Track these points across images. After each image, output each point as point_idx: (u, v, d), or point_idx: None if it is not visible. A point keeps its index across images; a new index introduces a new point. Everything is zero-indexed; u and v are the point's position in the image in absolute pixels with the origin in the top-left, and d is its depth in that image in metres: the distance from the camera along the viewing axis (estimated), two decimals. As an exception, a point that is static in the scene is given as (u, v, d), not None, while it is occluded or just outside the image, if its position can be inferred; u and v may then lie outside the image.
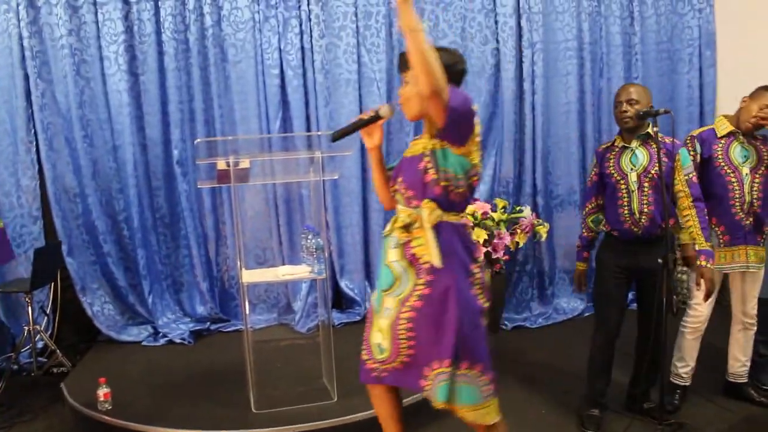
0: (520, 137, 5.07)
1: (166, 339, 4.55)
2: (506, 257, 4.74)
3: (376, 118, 2.42)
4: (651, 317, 3.19)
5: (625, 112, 3.14)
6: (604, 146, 3.36)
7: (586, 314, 5.16)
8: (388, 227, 2.43)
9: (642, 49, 5.16)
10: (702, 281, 3.10)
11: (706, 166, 3.32)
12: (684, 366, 3.47)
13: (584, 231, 3.49)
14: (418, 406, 3.21)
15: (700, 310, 3.34)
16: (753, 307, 3.42)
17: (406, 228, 2.36)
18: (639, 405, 3.46)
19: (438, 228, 2.32)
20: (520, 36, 4.98)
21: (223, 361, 4.21)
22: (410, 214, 2.36)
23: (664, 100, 5.17)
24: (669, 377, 3.53)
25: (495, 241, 4.62)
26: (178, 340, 4.54)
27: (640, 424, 3.31)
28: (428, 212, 2.30)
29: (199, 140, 3.70)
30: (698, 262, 3.10)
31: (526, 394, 3.81)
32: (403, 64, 2.31)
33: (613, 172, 3.21)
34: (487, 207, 4.66)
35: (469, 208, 4.58)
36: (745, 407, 3.49)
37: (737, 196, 3.27)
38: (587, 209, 3.45)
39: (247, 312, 3.46)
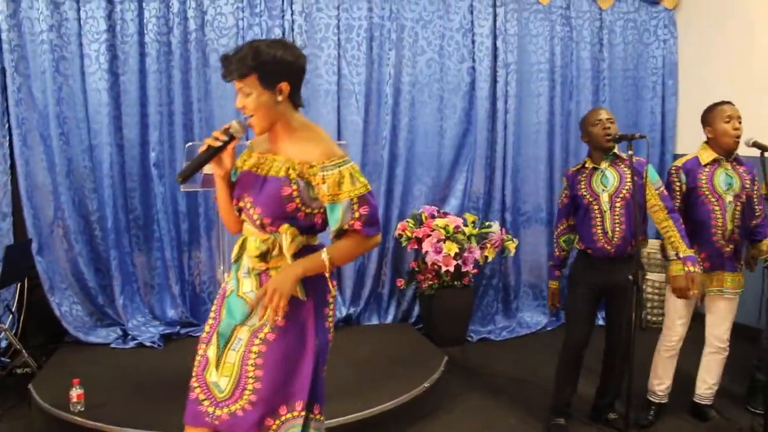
0: (491, 154, 5.22)
1: (136, 342, 4.50)
2: (475, 271, 4.86)
3: (230, 140, 2.09)
4: (619, 332, 3.37)
5: (608, 129, 3.30)
6: (574, 169, 3.50)
7: (549, 328, 5.34)
8: (235, 251, 2.18)
9: (609, 75, 5.39)
10: (693, 286, 3.21)
11: (689, 195, 3.41)
12: (659, 384, 3.59)
13: (556, 250, 3.62)
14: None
15: (675, 329, 3.48)
16: (726, 332, 3.49)
17: (262, 257, 2.10)
18: (604, 416, 3.63)
19: (300, 254, 2.09)
20: (495, 56, 5.14)
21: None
22: (265, 240, 2.10)
23: (629, 125, 5.41)
24: (645, 394, 3.65)
25: (465, 254, 4.74)
26: (148, 344, 4.50)
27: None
28: (290, 239, 2.07)
29: (190, 144, 3.70)
30: (686, 268, 3.22)
31: (493, 404, 3.95)
32: (231, 72, 2.04)
33: (585, 193, 3.36)
34: (459, 221, 4.79)
35: (441, 222, 4.73)
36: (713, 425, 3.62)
37: (719, 224, 3.36)
38: (559, 230, 3.59)
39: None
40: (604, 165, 3.36)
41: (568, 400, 3.59)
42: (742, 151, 3.40)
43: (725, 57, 5.12)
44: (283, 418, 2.10)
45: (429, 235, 4.74)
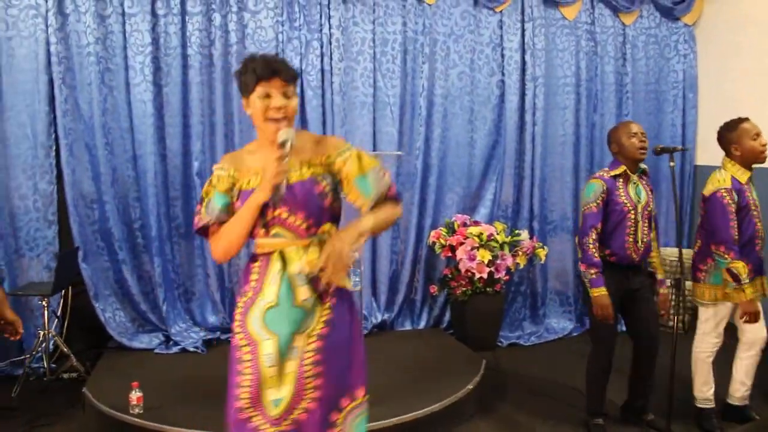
0: (519, 165, 5.38)
1: (179, 347, 4.60)
2: (506, 277, 5.00)
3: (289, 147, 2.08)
4: (646, 333, 3.56)
5: (644, 142, 3.43)
6: (609, 175, 3.46)
7: (575, 334, 5.47)
8: (277, 266, 2.13)
9: (632, 88, 5.56)
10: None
11: (738, 213, 3.44)
12: (709, 389, 3.67)
13: (596, 255, 3.42)
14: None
15: (717, 333, 3.61)
16: (766, 333, 3.63)
17: (311, 262, 2.12)
18: (638, 416, 3.75)
19: None
20: (523, 70, 5.30)
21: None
22: (308, 244, 2.15)
23: (651, 137, 5.51)
24: (695, 404, 3.71)
25: (498, 262, 4.88)
26: (191, 349, 4.60)
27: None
28: (330, 236, 2.15)
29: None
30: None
31: (531, 406, 4.06)
32: (280, 71, 2.09)
33: (625, 201, 3.43)
34: (492, 229, 4.92)
35: (475, 230, 4.86)
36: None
37: (761, 234, 3.53)
38: (593, 237, 3.43)
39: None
40: (635, 177, 3.50)
41: (603, 402, 3.72)
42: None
43: (743, 71, 5.30)
44: (347, 409, 2.17)
45: (462, 243, 4.87)
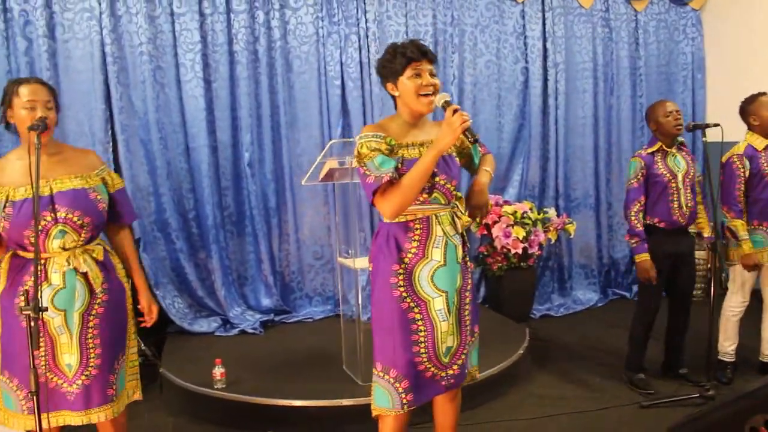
0: (544, 146, 5.70)
1: (238, 329, 4.85)
2: (539, 252, 5.32)
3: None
4: (683, 294, 3.97)
5: (679, 120, 3.79)
6: (647, 152, 3.85)
7: (600, 304, 5.83)
8: (440, 229, 2.45)
9: (645, 71, 5.89)
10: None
11: (752, 178, 3.83)
12: (731, 345, 4.04)
13: (638, 226, 3.81)
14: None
15: (744, 293, 3.96)
16: None
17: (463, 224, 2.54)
18: (674, 371, 4.10)
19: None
20: (545, 57, 5.61)
21: (301, 346, 4.57)
22: (452, 210, 2.52)
23: (663, 117, 5.91)
24: (717, 356, 4.06)
25: (531, 237, 5.19)
26: (250, 330, 4.85)
27: (683, 385, 3.97)
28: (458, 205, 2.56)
29: (333, 141, 4.09)
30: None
31: (573, 368, 4.40)
32: (427, 53, 2.40)
33: (665, 172, 3.80)
34: (526, 207, 5.23)
35: (510, 209, 5.17)
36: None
37: None
38: (637, 207, 3.82)
39: (360, 300, 3.88)
40: (673, 150, 3.85)
41: (643, 358, 4.08)
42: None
43: (748, 52, 5.66)
44: (476, 336, 2.68)
45: (497, 221, 5.17)
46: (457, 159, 2.58)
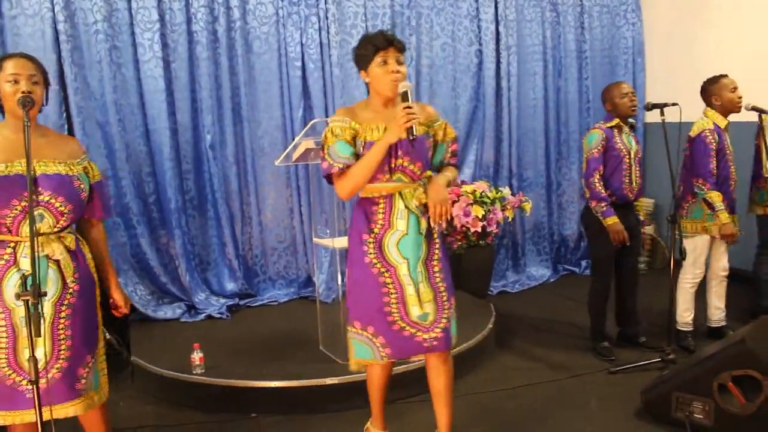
0: (497, 127, 5.85)
1: (204, 314, 4.78)
2: (497, 230, 5.47)
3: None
4: (634, 264, 4.27)
5: (634, 101, 4.04)
6: (606, 125, 4.06)
7: (552, 280, 6.07)
8: (402, 204, 2.66)
9: (590, 55, 6.13)
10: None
11: (717, 154, 4.03)
12: (690, 314, 4.29)
13: (602, 191, 3.99)
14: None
15: (699, 265, 4.20)
16: (727, 262, 4.29)
17: (419, 197, 2.70)
18: (632, 341, 4.35)
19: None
20: (498, 40, 5.75)
21: (272, 329, 4.55)
22: (417, 187, 2.70)
23: (607, 99, 6.18)
24: (676, 326, 4.27)
25: (489, 216, 5.33)
26: (217, 315, 4.79)
27: (644, 352, 4.18)
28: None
29: (317, 119, 4.05)
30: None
31: (540, 341, 4.59)
32: (397, 43, 2.59)
33: (622, 147, 4.04)
34: (484, 187, 5.37)
35: (470, 188, 5.30)
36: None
37: (734, 177, 4.13)
38: (597, 176, 4.00)
39: (340, 281, 3.90)
40: (626, 129, 4.09)
41: (604, 327, 4.31)
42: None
43: (684, 37, 5.98)
44: (452, 307, 2.84)
45: (456, 201, 5.29)
46: (429, 140, 2.73)
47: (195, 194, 4.96)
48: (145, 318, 4.74)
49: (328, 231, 3.99)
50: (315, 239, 4.09)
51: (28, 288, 2.01)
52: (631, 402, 3.51)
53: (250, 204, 5.09)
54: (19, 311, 2.36)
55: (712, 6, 5.76)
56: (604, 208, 4.00)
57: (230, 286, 5.05)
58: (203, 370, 3.76)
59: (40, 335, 2.01)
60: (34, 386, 2.04)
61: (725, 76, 4.12)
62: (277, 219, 5.20)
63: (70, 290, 2.48)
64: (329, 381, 3.62)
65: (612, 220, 3.98)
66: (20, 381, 2.38)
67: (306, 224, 5.17)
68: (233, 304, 4.98)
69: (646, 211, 6.18)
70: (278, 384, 3.62)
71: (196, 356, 3.77)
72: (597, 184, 4.01)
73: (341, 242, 3.80)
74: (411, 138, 2.48)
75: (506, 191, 5.57)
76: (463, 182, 5.54)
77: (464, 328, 4.19)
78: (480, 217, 5.25)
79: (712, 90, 4.13)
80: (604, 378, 3.92)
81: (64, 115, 4.51)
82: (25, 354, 2.36)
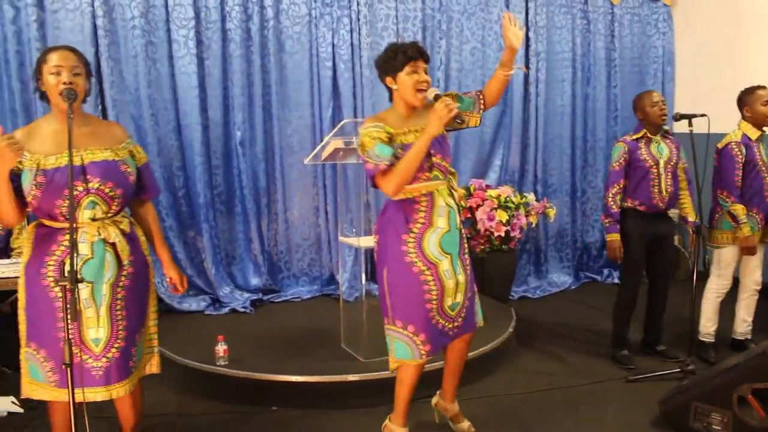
0: (524, 133, 5.87)
1: (229, 308, 4.87)
2: (520, 236, 5.49)
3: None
4: (664, 275, 4.21)
5: (664, 110, 4.03)
6: (631, 138, 4.08)
7: (573, 287, 6.07)
8: (441, 201, 2.82)
9: (620, 63, 6.12)
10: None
11: (746, 166, 4.03)
12: (713, 325, 4.27)
13: (614, 207, 4.05)
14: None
15: (727, 277, 4.18)
16: (760, 276, 4.24)
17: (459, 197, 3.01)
18: (652, 348, 4.35)
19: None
20: (527, 46, 5.76)
21: (295, 325, 4.62)
22: (448, 183, 2.91)
23: (635, 107, 6.17)
24: (698, 337, 4.27)
25: (513, 221, 5.36)
26: (241, 309, 4.88)
27: (664, 361, 4.18)
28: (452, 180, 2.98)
29: (346, 120, 4.11)
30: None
31: (558, 347, 4.60)
32: (424, 53, 2.79)
33: (647, 158, 4.02)
34: (509, 192, 5.40)
35: (494, 192, 5.33)
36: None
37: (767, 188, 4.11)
38: (615, 190, 4.05)
39: (364, 278, 3.96)
40: (658, 137, 4.07)
41: (627, 336, 4.31)
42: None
43: (714, 48, 5.95)
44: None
45: (481, 205, 5.32)
46: (449, 139, 2.94)
47: (223, 189, 5.04)
48: (170, 309, 4.83)
49: (354, 230, 4.04)
50: (341, 238, 4.14)
51: (66, 275, 2.10)
52: (649, 411, 3.51)
53: (276, 201, 5.17)
54: (82, 293, 2.47)
55: (746, 17, 5.72)
56: (608, 224, 4.08)
57: (254, 281, 5.13)
58: (227, 362, 3.83)
59: (75, 320, 2.10)
60: (68, 369, 2.13)
61: (763, 87, 4.09)
62: (302, 217, 5.27)
63: (125, 272, 2.59)
64: (350, 378, 3.67)
65: (612, 237, 4.06)
66: (86, 359, 2.51)
67: (331, 223, 5.23)
68: (257, 299, 5.06)
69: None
70: (300, 379, 3.68)
71: (221, 348, 3.84)
72: (610, 199, 4.07)
73: (367, 241, 3.86)
74: (458, 122, 2.70)
75: (531, 197, 5.59)
76: (488, 186, 5.57)
77: (485, 332, 4.22)
78: (504, 221, 5.28)
79: (746, 101, 4.12)
80: (622, 386, 3.93)
81: (100, 107, 4.63)
82: (89, 333, 2.51)
